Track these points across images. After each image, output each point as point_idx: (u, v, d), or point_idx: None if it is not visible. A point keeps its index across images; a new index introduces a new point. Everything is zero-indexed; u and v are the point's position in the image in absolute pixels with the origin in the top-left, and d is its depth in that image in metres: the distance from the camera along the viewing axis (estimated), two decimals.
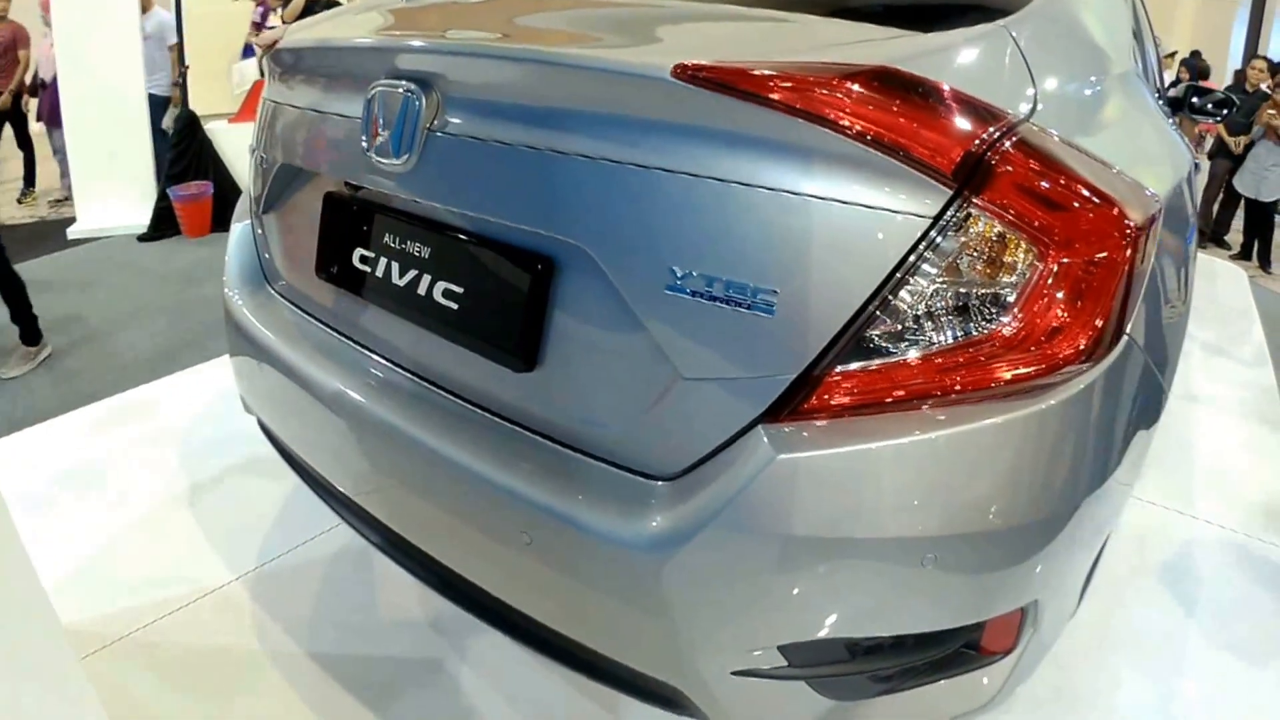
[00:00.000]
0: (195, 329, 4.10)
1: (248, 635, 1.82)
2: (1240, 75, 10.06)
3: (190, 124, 6.08)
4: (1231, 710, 1.77)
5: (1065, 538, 1.12)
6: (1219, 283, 5.53)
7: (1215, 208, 8.70)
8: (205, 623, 1.86)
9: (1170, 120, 2.45)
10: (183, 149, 6.02)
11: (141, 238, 5.89)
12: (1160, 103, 2.42)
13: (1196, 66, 11.06)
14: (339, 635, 1.84)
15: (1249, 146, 7.93)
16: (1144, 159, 1.34)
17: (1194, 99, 3.36)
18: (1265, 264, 8.04)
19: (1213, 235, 8.69)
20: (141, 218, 5.98)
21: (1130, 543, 2.34)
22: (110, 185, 6.12)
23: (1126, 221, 1.05)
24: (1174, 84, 3.57)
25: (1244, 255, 8.15)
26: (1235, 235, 8.59)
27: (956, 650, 1.19)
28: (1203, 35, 14.82)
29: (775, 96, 1.01)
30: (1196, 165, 2.89)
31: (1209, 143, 8.78)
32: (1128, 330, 1.10)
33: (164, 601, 1.90)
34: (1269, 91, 8.08)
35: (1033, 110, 1.09)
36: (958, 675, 1.20)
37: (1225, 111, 3.36)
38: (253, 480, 2.38)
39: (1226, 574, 2.25)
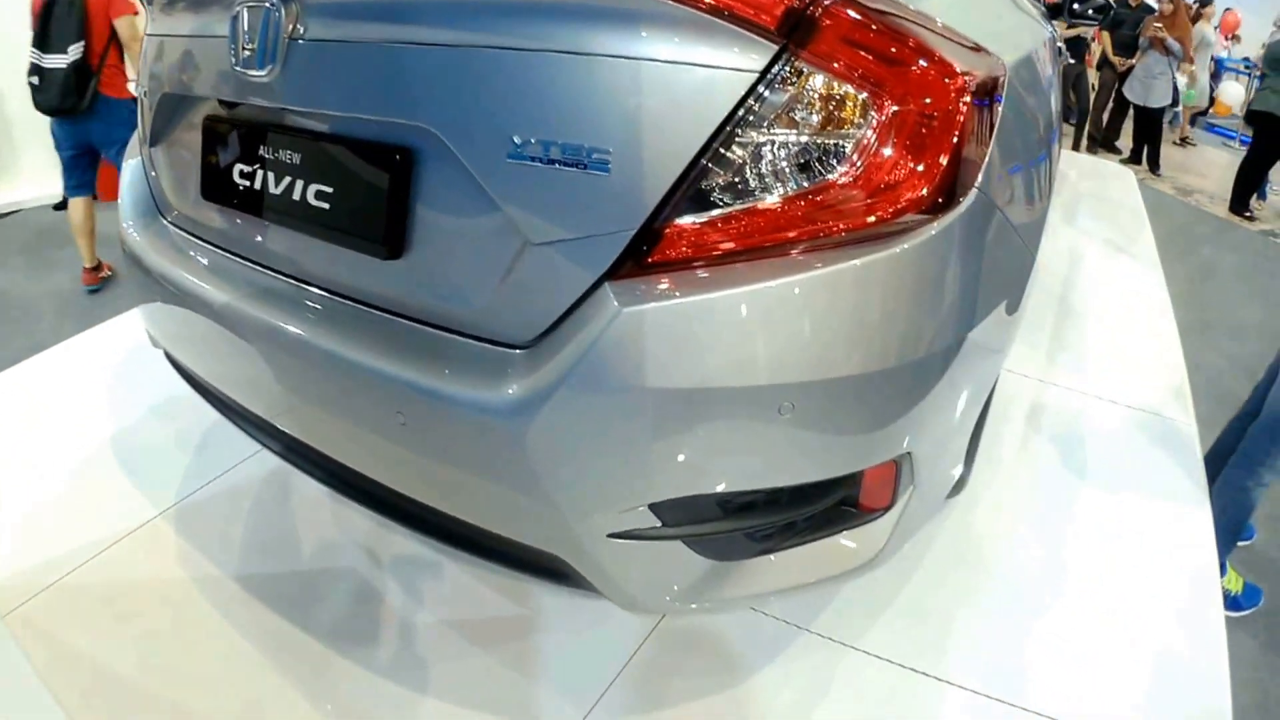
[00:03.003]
0: (115, 285, 3.99)
1: (174, 569, 1.82)
2: None
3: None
4: (1126, 570, 1.88)
5: (927, 389, 1.15)
6: (1110, 185, 5.73)
7: (1106, 115, 8.98)
8: (131, 561, 1.85)
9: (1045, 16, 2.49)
10: None
11: (57, 206, 5.71)
12: None
13: None
14: (263, 558, 1.85)
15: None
16: (989, 25, 1.36)
17: (1074, 4, 3.44)
18: (1154, 167, 8.36)
19: (1104, 141, 8.98)
20: (56, 187, 5.77)
21: (1031, 420, 2.45)
22: (21, 157, 6.07)
23: (960, 76, 1.07)
24: None
25: (1134, 159, 8.46)
26: (1125, 141, 8.90)
27: (834, 506, 1.22)
28: None
29: None
30: (1063, 49, 2.96)
31: (1095, 53, 9.01)
32: (978, 185, 1.12)
33: (87, 546, 1.87)
34: (1153, 4, 8.30)
35: None
36: (838, 533, 1.24)
37: (1102, 16, 3.46)
38: (168, 420, 2.34)
39: (1122, 446, 2.38)
